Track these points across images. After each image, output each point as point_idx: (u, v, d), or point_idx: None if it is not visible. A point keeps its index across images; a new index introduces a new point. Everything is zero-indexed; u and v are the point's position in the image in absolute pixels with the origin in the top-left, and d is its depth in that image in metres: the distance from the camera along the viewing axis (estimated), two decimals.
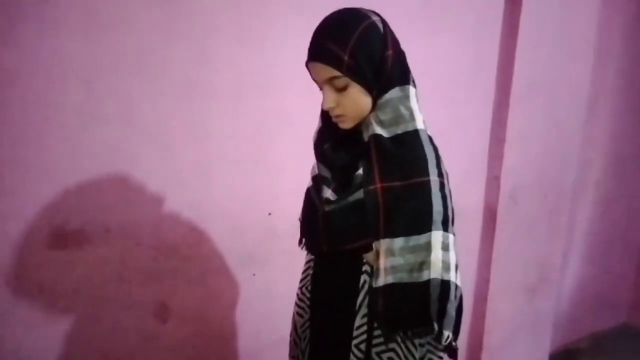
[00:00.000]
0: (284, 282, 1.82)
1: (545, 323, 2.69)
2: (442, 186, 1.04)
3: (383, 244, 1.02)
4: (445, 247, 1.02)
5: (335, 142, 1.13)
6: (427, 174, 1.02)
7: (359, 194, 1.06)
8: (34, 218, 1.41)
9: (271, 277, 1.83)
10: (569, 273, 2.85)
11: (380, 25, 1.02)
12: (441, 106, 2.04)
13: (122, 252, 1.55)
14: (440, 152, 1.08)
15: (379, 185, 1.03)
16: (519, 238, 2.38)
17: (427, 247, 1.01)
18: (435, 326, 1.02)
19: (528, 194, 2.34)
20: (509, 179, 2.26)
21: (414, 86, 1.07)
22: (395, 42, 1.05)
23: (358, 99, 1.03)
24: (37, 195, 1.41)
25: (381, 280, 1.03)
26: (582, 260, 2.93)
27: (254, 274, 1.80)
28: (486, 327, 2.42)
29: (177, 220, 1.62)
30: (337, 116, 1.07)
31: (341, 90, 1.02)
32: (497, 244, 2.31)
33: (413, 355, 1.10)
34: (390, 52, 1.02)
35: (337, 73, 1.00)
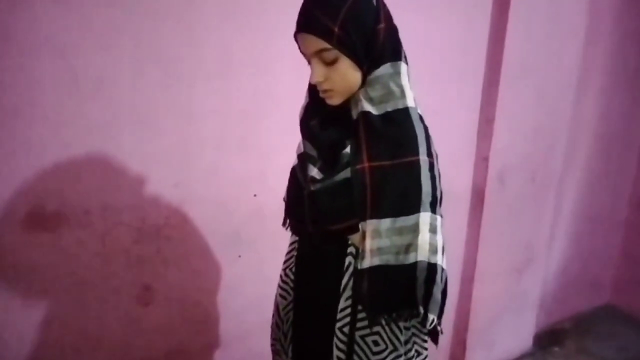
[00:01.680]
0: (269, 264, 1.79)
1: (531, 304, 2.71)
2: (431, 166, 1.01)
3: (369, 225, 1.00)
4: (432, 230, 1.00)
5: (322, 118, 1.09)
6: (417, 154, 0.99)
7: (346, 173, 1.03)
8: (10, 199, 1.37)
9: (257, 258, 1.80)
10: (554, 254, 2.86)
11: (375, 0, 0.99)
12: (430, 85, 2.01)
13: (102, 234, 1.51)
14: (430, 132, 1.06)
15: (366, 165, 1.00)
16: (506, 219, 2.38)
17: (415, 228, 0.98)
18: (421, 309, 1.00)
19: (516, 175, 2.33)
20: (497, 159, 2.24)
21: (406, 63, 1.04)
22: (388, 16, 1.02)
23: (347, 74, 1.00)
24: (13, 175, 1.37)
25: (366, 262, 1.01)
26: (568, 241, 2.94)
27: (239, 256, 1.78)
28: (472, 308, 2.43)
29: (160, 201, 1.58)
30: (325, 91, 1.03)
31: (330, 63, 0.99)
32: (484, 225, 2.31)
33: (397, 339, 1.08)
34: (382, 25, 0.99)
35: (326, 45, 0.96)
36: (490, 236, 2.35)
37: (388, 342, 1.08)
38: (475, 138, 2.26)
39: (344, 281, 1.09)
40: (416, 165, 0.99)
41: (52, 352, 1.52)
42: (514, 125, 2.24)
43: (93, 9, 1.36)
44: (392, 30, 1.03)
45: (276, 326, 1.29)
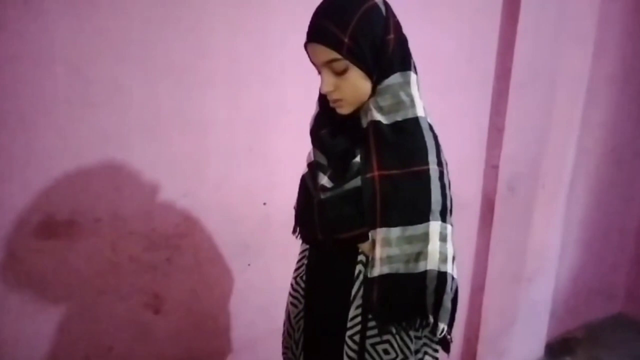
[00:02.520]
0: (279, 273, 1.79)
1: (541, 313, 2.69)
2: (441, 175, 1.01)
3: (379, 233, 1.00)
4: (443, 238, 1.00)
5: (332, 128, 1.10)
6: (427, 163, 0.99)
7: (356, 182, 1.04)
8: (22, 207, 1.38)
9: (266, 267, 1.80)
10: (565, 262, 2.84)
11: (383, 8, 0.99)
12: (439, 94, 2.01)
13: (113, 242, 1.52)
14: (440, 141, 1.06)
15: (376, 173, 1.00)
16: (516, 227, 2.37)
17: (425, 237, 0.98)
18: (431, 318, 1.00)
19: (526, 184, 2.32)
20: (507, 168, 2.23)
21: (415, 72, 1.04)
22: (397, 26, 1.02)
23: (357, 83, 1.00)
24: (25, 183, 1.38)
25: (376, 271, 1.00)
26: (578, 250, 2.92)
27: (249, 264, 1.78)
28: (483, 318, 2.41)
29: (169, 210, 1.59)
30: (335, 101, 1.04)
31: (340, 73, 0.99)
32: (494, 234, 2.30)
33: (408, 347, 1.08)
34: (391, 36, 0.99)
35: (336, 55, 0.97)
36: (500, 244, 2.34)
37: (399, 350, 1.07)
38: (485, 146, 2.25)
39: (354, 290, 1.09)
40: (426, 174, 0.99)
41: (62, 358, 1.53)
42: (524, 134, 2.23)
43: (105, 19, 1.38)
44: (402, 41, 1.03)
45: (287, 334, 1.29)
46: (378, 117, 1.01)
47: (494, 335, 2.47)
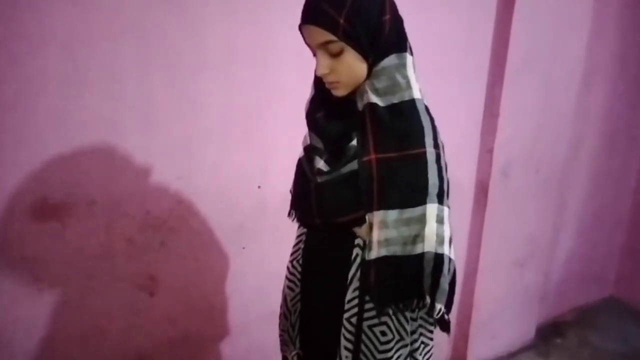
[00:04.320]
0: (274, 256, 1.80)
1: (533, 297, 2.72)
2: (438, 158, 1.01)
3: (376, 216, 1.00)
4: (440, 220, 1.00)
5: (328, 110, 1.09)
6: (424, 145, 0.99)
7: (353, 165, 1.03)
8: (15, 190, 1.37)
9: (261, 250, 1.81)
10: (558, 247, 2.86)
11: None
12: (435, 79, 2.00)
13: (107, 224, 1.52)
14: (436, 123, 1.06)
15: (373, 157, 1.00)
16: (509, 213, 2.38)
17: (422, 219, 0.98)
18: (428, 299, 1.00)
19: (520, 169, 2.33)
20: (501, 153, 2.24)
21: (411, 54, 1.04)
22: (393, 7, 1.01)
23: (353, 65, 1.00)
24: (18, 166, 1.37)
25: (374, 253, 1.01)
26: (572, 234, 2.94)
27: (243, 248, 1.78)
28: (475, 302, 2.43)
29: (164, 193, 1.59)
30: (331, 83, 1.03)
31: (336, 55, 0.99)
32: (487, 219, 2.31)
33: (404, 329, 1.09)
34: (387, 16, 0.98)
35: (332, 37, 0.96)
36: (493, 229, 2.35)
37: (395, 332, 1.08)
38: (480, 131, 2.25)
39: (351, 272, 1.10)
40: (423, 156, 0.99)
41: (58, 341, 1.54)
42: (518, 119, 2.24)
43: (97, 2, 1.36)
44: (398, 22, 1.02)
45: (284, 317, 1.30)
46: (374, 99, 1.01)
47: (486, 319, 2.49)
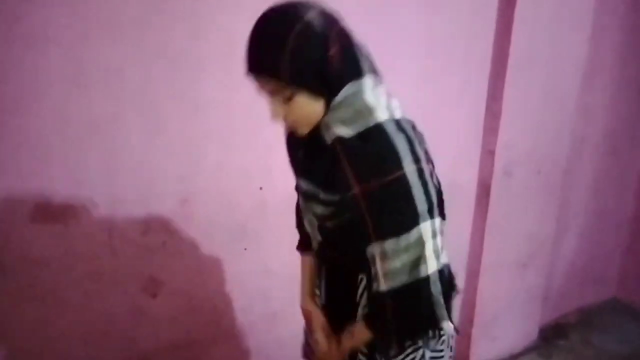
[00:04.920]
0: (275, 257, 1.80)
1: (535, 298, 2.71)
2: (420, 173, 0.98)
3: (376, 248, 1.00)
4: (434, 235, 1.00)
5: (306, 148, 1.09)
6: (401, 167, 0.95)
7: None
8: (17, 192, 1.38)
9: (263, 251, 1.81)
10: (560, 247, 2.86)
11: (317, 23, 0.91)
12: (436, 78, 2.00)
13: (109, 226, 1.52)
14: (422, 128, 1.05)
15: (357, 190, 0.97)
16: (512, 213, 2.38)
17: (419, 242, 0.98)
18: (444, 324, 1.04)
19: (522, 169, 2.33)
20: (503, 153, 2.24)
21: (372, 71, 1.00)
22: (341, 36, 0.95)
23: (307, 107, 0.97)
24: (20, 168, 1.37)
25: (383, 286, 1.01)
26: (574, 235, 2.94)
27: (245, 249, 1.78)
28: (477, 302, 2.43)
29: (166, 194, 1.59)
30: (290, 124, 1.03)
31: (288, 99, 0.95)
32: (490, 219, 2.31)
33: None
34: (332, 51, 0.92)
35: (278, 85, 0.93)
36: (495, 230, 2.35)
37: None
38: (482, 131, 2.25)
39: (358, 293, 1.14)
40: (403, 179, 0.96)
41: (61, 342, 1.54)
42: (520, 119, 2.23)
43: (99, 1, 1.36)
44: (348, 51, 0.96)
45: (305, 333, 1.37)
46: (341, 131, 0.98)
47: (488, 320, 2.49)
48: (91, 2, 1.35)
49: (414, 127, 1.05)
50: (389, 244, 0.98)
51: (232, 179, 1.69)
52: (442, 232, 1.03)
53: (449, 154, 2.09)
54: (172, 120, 1.54)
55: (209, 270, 1.75)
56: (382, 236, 0.98)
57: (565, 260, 2.94)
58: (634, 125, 2.89)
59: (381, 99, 1.00)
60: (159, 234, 1.61)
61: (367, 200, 0.97)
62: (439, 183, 1.06)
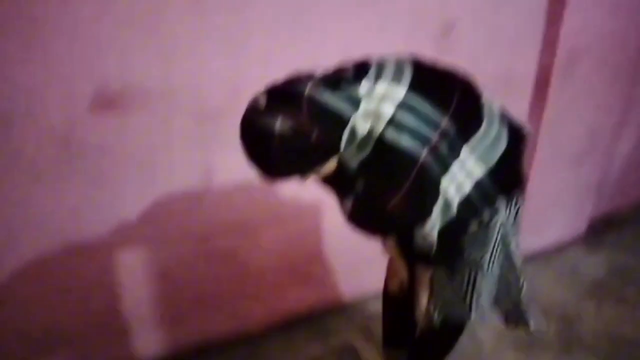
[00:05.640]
0: None
1: (588, 192, 2.67)
2: (433, 150, 1.08)
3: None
4: (452, 179, 1.13)
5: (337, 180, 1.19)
6: (417, 160, 1.06)
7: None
8: (73, 80, 1.42)
9: None
10: (619, 143, 2.75)
11: (288, 123, 0.96)
12: None
13: (164, 115, 1.57)
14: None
15: (391, 206, 1.10)
16: (571, 107, 2.28)
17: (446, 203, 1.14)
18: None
19: (587, 60, 2.18)
20: (567, 41, 2.09)
21: (350, 97, 1.05)
22: (312, 113, 0.99)
23: (323, 171, 1.09)
24: (74, 54, 1.40)
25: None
26: (634, 131, 2.81)
27: None
28: (527, 194, 2.41)
29: (217, 84, 1.61)
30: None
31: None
32: (547, 113, 2.22)
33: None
34: (314, 136, 0.98)
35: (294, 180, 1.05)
36: (553, 124, 2.27)
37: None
38: (544, 19, 2.09)
39: None
40: (422, 171, 1.08)
41: (125, 221, 1.67)
42: (589, 4, 2.06)
43: None
44: (325, 121, 1.00)
45: None
46: (357, 160, 1.10)
47: (535, 213, 2.48)
48: None
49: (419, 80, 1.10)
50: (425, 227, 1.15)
51: (283, 70, 1.67)
52: (463, 165, 1.12)
53: (507, 42, 1.97)
54: (224, 8, 1.52)
55: None
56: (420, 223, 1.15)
57: (625, 154, 2.85)
58: None
59: (369, 117, 1.05)
60: (212, 124, 1.65)
61: (404, 204, 1.09)
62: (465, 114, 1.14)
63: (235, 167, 1.73)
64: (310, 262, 2.11)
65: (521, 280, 1.37)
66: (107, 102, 1.47)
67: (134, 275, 1.76)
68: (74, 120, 1.46)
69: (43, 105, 1.40)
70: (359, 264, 2.15)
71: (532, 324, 1.44)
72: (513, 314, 1.41)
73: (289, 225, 1.98)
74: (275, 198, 1.89)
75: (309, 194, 1.92)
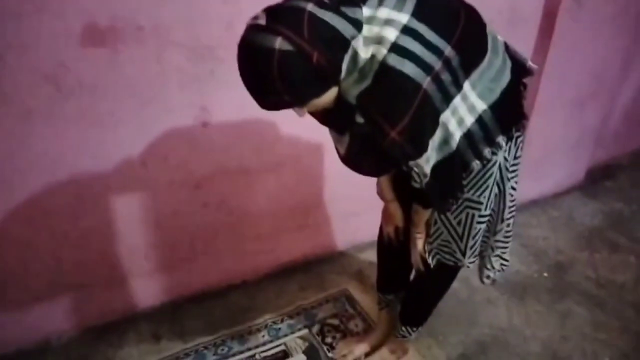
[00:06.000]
0: None
1: (588, 138, 2.65)
2: (436, 78, 1.02)
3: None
4: (454, 112, 1.09)
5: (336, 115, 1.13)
6: (420, 86, 1.01)
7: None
8: (63, 13, 1.35)
9: None
10: (623, 87, 2.69)
11: (289, 41, 0.90)
12: None
13: (157, 51, 1.51)
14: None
15: (394, 135, 1.03)
16: (577, 47, 2.21)
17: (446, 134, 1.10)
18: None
19: None
20: None
21: (351, 23, 0.98)
22: (312, 33, 0.92)
23: (323, 102, 1.03)
24: None
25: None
26: (638, 80, 2.75)
27: None
28: (527, 139, 2.39)
29: (212, 20, 1.54)
30: (315, 113, 1.12)
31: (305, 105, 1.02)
32: (551, 52, 2.15)
33: None
34: (315, 57, 0.92)
35: (292, 106, 1.00)
36: (556, 65, 2.21)
37: None
38: None
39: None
40: (424, 97, 1.02)
41: (120, 162, 1.63)
42: None
43: None
44: (326, 40, 0.94)
45: None
46: (358, 89, 1.04)
47: (534, 159, 2.46)
48: None
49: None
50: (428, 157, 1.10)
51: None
52: (465, 98, 1.08)
53: None
54: None
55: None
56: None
57: (626, 101, 2.80)
58: None
59: (371, 42, 1.01)
60: (206, 62, 1.59)
61: (403, 136, 1.03)
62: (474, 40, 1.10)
63: (229, 107, 1.70)
64: (307, 209, 2.10)
65: (503, 225, 1.37)
66: (97, 36, 1.41)
67: (129, 222, 1.74)
68: (64, 57, 1.40)
69: (34, 41, 1.35)
70: (356, 211, 2.15)
71: (484, 272, 1.49)
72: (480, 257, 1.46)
73: (286, 170, 1.95)
74: (273, 142, 1.85)
75: (307, 137, 1.88)
